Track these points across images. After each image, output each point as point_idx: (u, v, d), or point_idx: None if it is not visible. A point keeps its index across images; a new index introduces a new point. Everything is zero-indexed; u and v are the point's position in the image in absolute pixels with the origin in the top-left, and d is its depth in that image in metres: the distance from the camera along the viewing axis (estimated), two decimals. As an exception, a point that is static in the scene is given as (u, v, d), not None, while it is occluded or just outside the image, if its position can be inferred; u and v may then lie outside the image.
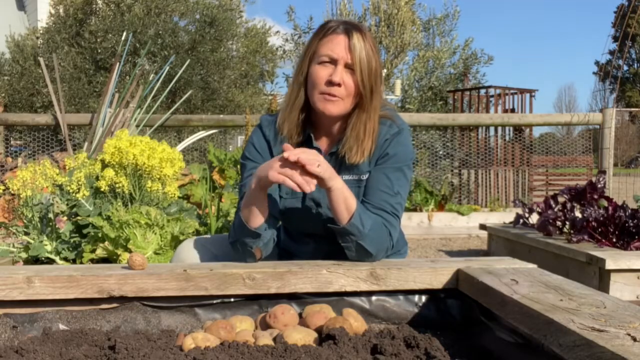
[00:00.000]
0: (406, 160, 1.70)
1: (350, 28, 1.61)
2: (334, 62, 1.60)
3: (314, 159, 1.48)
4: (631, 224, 2.90)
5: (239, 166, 5.16)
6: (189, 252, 1.78)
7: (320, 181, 1.52)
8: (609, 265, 2.58)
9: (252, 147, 1.74)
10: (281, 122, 1.69)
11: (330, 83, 1.60)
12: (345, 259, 1.62)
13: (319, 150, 1.70)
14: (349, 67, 1.60)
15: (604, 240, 2.95)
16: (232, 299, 1.50)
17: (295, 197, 1.71)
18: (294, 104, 1.67)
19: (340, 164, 1.69)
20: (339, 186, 1.55)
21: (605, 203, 3.11)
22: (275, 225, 1.66)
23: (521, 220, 3.87)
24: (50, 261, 2.84)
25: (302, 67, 1.66)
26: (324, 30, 1.64)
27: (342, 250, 1.62)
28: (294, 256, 1.82)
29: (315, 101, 1.63)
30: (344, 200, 1.55)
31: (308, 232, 1.77)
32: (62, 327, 1.41)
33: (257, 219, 1.57)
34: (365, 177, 1.69)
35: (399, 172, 1.68)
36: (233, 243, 1.62)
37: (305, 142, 1.70)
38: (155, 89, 6.53)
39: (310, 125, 1.71)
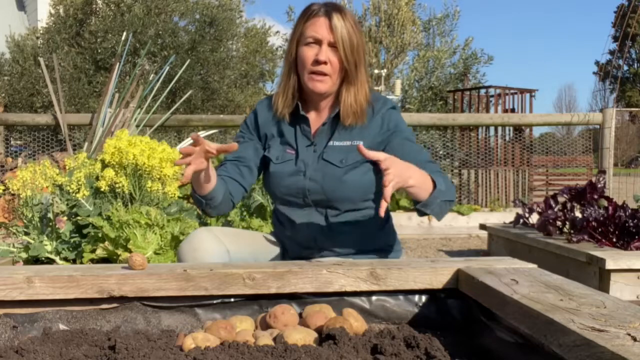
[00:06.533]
0: (411, 134, 1.83)
1: (330, 10, 1.75)
2: (318, 42, 1.74)
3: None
4: (631, 224, 2.89)
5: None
6: (202, 242, 1.75)
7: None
8: (609, 265, 2.58)
9: (244, 122, 1.92)
10: (275, 99, 1.85)
11: (316, 62, 1.73)
12: (342, 223, 1.75)
13: (306, 119, 1.81)
14: (332, 45, 1.73)
15: (604, 240, 2.95)
16: (232, 299, 1.50)
17: (284, 160, 1.82)
18: (287, 83, 1.82)
19: (332, 133, 1.81)
20: (417, 183, 1.53)
21: (605, 203, 3.10)
22: (236, 194, 1.80)
23: (521, 220, 3.87)
24: (50, 261, 2.84)
25: (290, 50, 1.81)
26: (307, 14, 1.78)
27: (336, 215, 1.77)
28: (292, 223, 1.84)
29: (305, 80, 1.77)
30: (425, 189, 1.57)
31: (298, 195, 1.81)
32: (62, 327, 1.41)
33: (204, 189, 1.68)
34: (356, 142, 1.73)
35: (411, 142, 1.80)
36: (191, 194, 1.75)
37: (294, 112, 1.83)
38: (155, 89, 6.53)
39: (302, 102, 1.84)
